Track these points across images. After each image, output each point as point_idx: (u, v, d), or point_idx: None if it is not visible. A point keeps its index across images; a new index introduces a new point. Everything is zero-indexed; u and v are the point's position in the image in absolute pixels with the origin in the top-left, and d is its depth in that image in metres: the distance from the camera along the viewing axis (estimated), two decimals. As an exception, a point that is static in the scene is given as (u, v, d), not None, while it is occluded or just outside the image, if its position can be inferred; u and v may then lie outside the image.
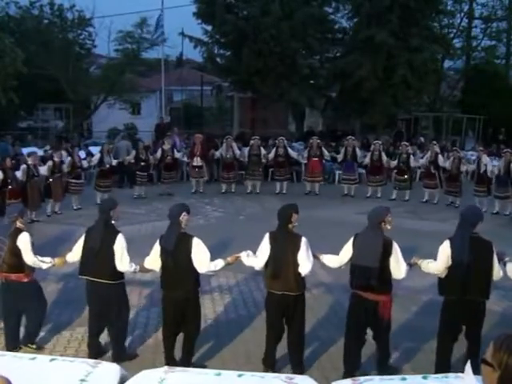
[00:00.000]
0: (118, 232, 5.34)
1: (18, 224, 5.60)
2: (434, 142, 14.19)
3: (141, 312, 6.63)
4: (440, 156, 13.52)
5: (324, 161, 14.84)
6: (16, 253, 5.46)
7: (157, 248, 5.22)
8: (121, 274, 5.38)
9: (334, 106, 22.85)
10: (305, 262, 5.01)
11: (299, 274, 5.03)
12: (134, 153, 13.98)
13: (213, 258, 5.26)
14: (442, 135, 22.22)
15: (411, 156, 13.84)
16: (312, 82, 20.96)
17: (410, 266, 5.17)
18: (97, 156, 13.25)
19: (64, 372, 3.31)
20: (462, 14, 25.81)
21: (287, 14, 18.75)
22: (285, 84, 19.47)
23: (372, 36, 18.63)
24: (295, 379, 3.40)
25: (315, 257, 5.25)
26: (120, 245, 5.26)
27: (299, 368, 5.10)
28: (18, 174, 10.89)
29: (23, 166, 11.09)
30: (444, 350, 5.04)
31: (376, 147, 14.06)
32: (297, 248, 5.02)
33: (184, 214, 5.15)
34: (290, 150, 14.54)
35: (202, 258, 5.06)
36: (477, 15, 26.13)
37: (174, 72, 33.06)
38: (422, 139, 19.82)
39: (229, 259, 5.31)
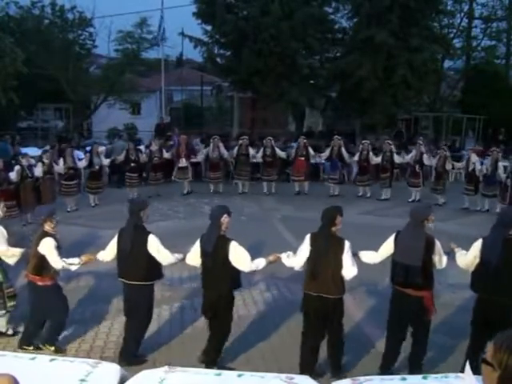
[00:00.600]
0: (148, 233, 5.31)
1: (46, 227, 5.50)
2: (420, 142, 14.27)
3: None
4: (425, 155, 13.70)
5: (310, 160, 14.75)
6: (39, 256, 5.39)
7: (197, 247, 5.28)
8: (153, 276, 5.37)
9: (334, 106, 22.87)
10: (350, 266, 5.03)
11: (340, 276, 5.04)
12: (124, 153, 13.77)
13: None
14: (442, 135, 22.22)
15: (394, 154, 13.98)
16: (312, 81, 20.96)
17: (448, 254, 5.24)
18: (86, 157, 13.04)
19: (64, 372, 3.31)
20: (462, 14, 25.80)
21: (287, 14, 18.75)
22: (285, 84, 19.47)
23: (372, 36, 18.63)
24: (295, 379, 3.40)
25: (354, 255, 5.24)
26: (153, 245, 5.25)
27: (338, 371, 5.11)
28: (12, 175, 10.68)
29: (17, 167, 10.91)
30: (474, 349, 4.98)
31: (364, 147, 14.16)
32: (340, 251, 5.01)
33: (225, 216, 5.18)
34: (277, 150, 14.53)
35: (241, 259, 5.11)
36: (477, 15, 26.12)
37: (174, 72, 33.06)
38: (421, 138, 19.80)
39: (270, 258, 5.33)
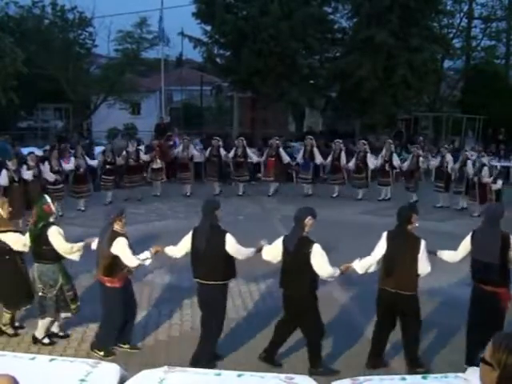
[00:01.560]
0: (225, 232, 5.30)
1: (116, 227, 5.40)
2: (390, 142, 14.52)
3: (141, 312, 6.61)
4: (395, 154, 14.01)
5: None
6: (112, 257, 5.31)
7: (279, 244, 5.32)
8: (229, 274, 5.35)
9: (334, 106, 22.86)
10: (426, 264, 5.17)
11: (416, 274, 5.16)
12: (100, 156, 13.34)
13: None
14: (442, 135, 22.23)
15: (368, 154, 14.11)
16: (312, 82, 20.96)
17: None
18: (72, 160, 12.51)
19: (64, 372, 3.32)
20: (462, 14, 25.78)
21: (287, 14, 18.74)
22: (285, 84, 19.47)
23: (372, 36, 18.63)
24: (295, 379, 3.40)
25: (431, 253, 5.38)
26: (231, 244, 5.23)
27: (415, 365, 5.20)
28: (0, 179, 10.33)
29: (4, 172, 10.46)
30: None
31: (337, 146, 14.30)
32: (416, 249, 5.15)
33: (309, 217, 5.23)
34: (248, 151, 14.42)
35: (321, 263, 5.13)
36: (476, 15, 26.10)
37: (174, 72, 33.06)
38: (421, 138, 19.83)
39: (342, 268, 5.38)
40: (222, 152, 14.24)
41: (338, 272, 5.30)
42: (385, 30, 18.58)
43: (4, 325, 6.02)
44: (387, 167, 13.83)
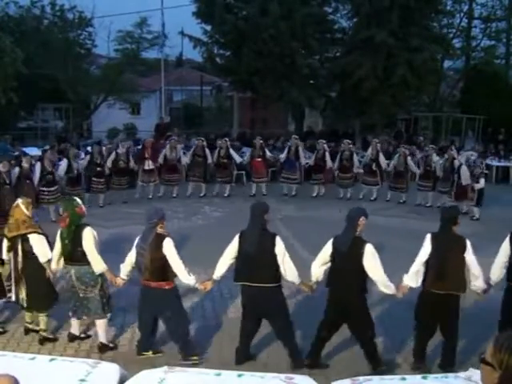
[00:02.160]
0: (275, 235, 5.24)
1: (159, 230, 5.27)
2: (376, 141, 14.49)
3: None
4: (381, 154, 13.91)
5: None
6: (163, 259, 5.18)
7: (328, 247, 5.24)
8: (279, 278, 5.24)
9: (334, 105, 22.84)
10: (475, 264, 5.16)
11: (464, 274, 5.15)
12: (87, 158, 12.88)
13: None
14: (442, 135, 22.22)
15: (354, 154, 14.08)
16: (312, 81, 20.95)
17: None
18: (64, 162, 12.12)
19: (64, 372, 3.32)
20: (462, 14, 25.80)
21: (286, 14, 18.74)
22: (284, 84, 19.46)
23: (372, 36, 18.62)
24: (295, 379, 3.41)
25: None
26: (280, 247, 5.15)
27: (451, 366, 5.14)
28: None
29: None
30: None
31: (320, 146, 14.23)
32: (462, 249, 5.13)
33: (363, 217, 5.15)
34: (232, 152, 14.19)
35: (375, 265, 5.05)
36: (476, 15, 26.10)
37: (174, 72, 33.08)
38: (421, 138, 19.86)
39: (399, 292, 5.32)
40: (208, 152, 13.95)
41: (392, 287, 5.20)
42: (385, 29, 18.57)
43: (44, 330, 5.90)
44: (374, 167, 13.74)
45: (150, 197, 13.57)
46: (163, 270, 5.21)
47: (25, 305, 5.84)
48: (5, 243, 5.87)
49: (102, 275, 5.62)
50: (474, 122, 21.94)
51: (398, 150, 14.18)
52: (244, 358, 5.39)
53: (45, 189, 11.18)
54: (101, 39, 26.26)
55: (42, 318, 5.87)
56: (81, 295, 5.57)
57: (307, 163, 14.25)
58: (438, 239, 5.20)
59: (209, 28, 20.31)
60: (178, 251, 5.49)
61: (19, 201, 5.95)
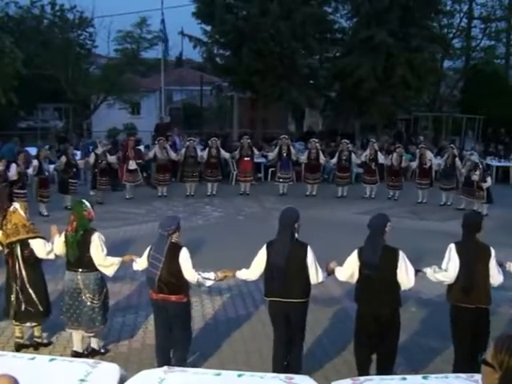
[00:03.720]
0: (306, 245, 4.91)
1: (174, 239, 4.98)
2: (373, 141, 14.81)
3: (140, 312, 6.62)
4: (379, 153, 14.18)
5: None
6: (179, 271, 4.90)
7: (354, 259, 4.92)
8: (309, 292, 4.97)
9: (334, 106, 22.85)
10: (497, 274, 4.88)
11: (489, 285, 4.88)
12: (63, 159, 12.54)
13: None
14: (442, 135, 22.22)
15: (352, 153, 14.22)
16: (311, 81, 20.95)
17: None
18: (35, 163, 11.71)
19: (64, 372, 3.32)
20: (462, 14, 25.81)
21: (286, 14, 18.74)
22: (284, 84, 19.46)
23: (371, 36, 18.63)
24: (295, 379, 3.41)
25: (502, 265, 5.07)
26: (311, 258, 4.86)
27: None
28: None
29: None
30: None
31: (312, 145, 14.34)
32: (488, 258, 4.84)
33: (389, 224, 4.93)
34: (222, 152, 14.23)
35: (409, 272, 4.81)
36: (476, 15, 26.10)
37: (174, 72, 33.07)
38: (421, 138, 19.85)
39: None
40: (199, 152, 14.03)
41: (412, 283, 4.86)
42: (384, 29, 18.57)
43: (38, 337, 5.80)
44: (373, 166, 13.97)
45: (132, 196, 13.53)
46: (178, 283, 4.91)
47: (21, 315, 5.57)
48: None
49: (105, 284, 5.48)
50: (473, 122, 21.93)
51: (397, 150, 14.35)
52: (281, 366, 5.01)
53: (17, 190, 10.96)
54: (101, 39, 26.22)
55: (37, 328, 5.75)
56: (88, 303, 5.31)
57: (297, 159, 14.39)
58: (464, 250, 4.84)
59: (209, 28, 20.31)
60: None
61: (16, 205, 5.73)
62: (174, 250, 4.90)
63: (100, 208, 12.38)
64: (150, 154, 14.04)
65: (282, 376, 3.47)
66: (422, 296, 6.98)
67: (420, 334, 6.11)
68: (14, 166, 11.06)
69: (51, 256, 5.57)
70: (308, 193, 14.35)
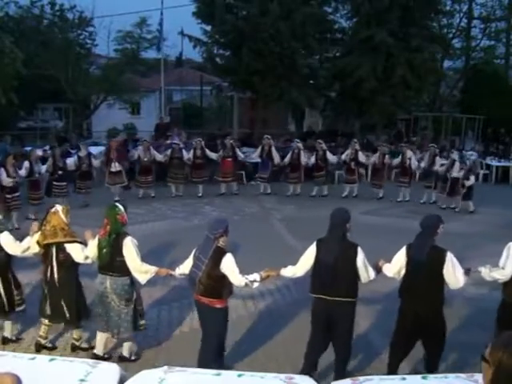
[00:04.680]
0: (356, 245, 4.94)
1: (221, 243, 4.90)
2: (355, 140, 14.95)
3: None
4: (360, 153, 14.39)
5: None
6: (220, 276, 4.83)
7: (402, 256, 5.00)
8: (356, 292, 4.99)
9: (334, 106, 22.84)
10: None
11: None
12: (50, 161, 12.19)
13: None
14: (442, 135, 22.23)
15: (327, 152, 14.38)
16: (311, 81, 20.95)
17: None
18: (26, 165, 11.35)
19: (64, 372, 3.32)
20: (461, 14, 25.83)
21: (286, 14, 18.74)
22: (284, 84, 19.46)
23: (371, 36, 18.63)
24: (295, 379, 3.41)
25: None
26: (361, 257, 4.90)
27: None
28: None
29: None
30: None
31: (294, 145, 14.56)
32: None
33: (442, 225, 4.96)
34: (207, 152, 14.14)
35: (457, 273, 4.83)
36: (476, 15, 26.13)
37: (174, 72, 33.07)
38: (413, 139, 19.92)
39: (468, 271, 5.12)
40: (185, 154, 13.93)
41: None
42: (384, 30, 18.57)
43: (77, 340, 5.75)
44: (353, 165, 14.17)
45: (117, 198, 12.59)
46: (218, 287, 4.85)
47: (53, 317, 5.58)
48: (35, 249, 5.57)
49: (136, 289, 5.39)
50: (473, 122, 21.94)
51: (379, 148, 14.62)
52: (312, 367, 5.05)
53: (8, 196, 10.69)
54: (101, 39, 26.24)
55: (76, 331, 5.71)
56: (115, 308, 5.27)
57: (283, 162, 14.44)
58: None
59: (209, 28, 20.31)
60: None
61: (58, 207, 5.64)
62: (219, 254, 4.84)
63: (91, 209, 12.35)
64: (135, 156, 13.79)
65: (283, 376, 3.47)
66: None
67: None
68: (3, 172, 10.72)
69: (88, 261, 5.50)
70: (289, 193, 14.35)
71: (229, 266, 4.82)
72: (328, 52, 22.28)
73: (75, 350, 5.69)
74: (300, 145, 14.60)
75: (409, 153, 14.16)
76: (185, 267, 5.22)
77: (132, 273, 5.26)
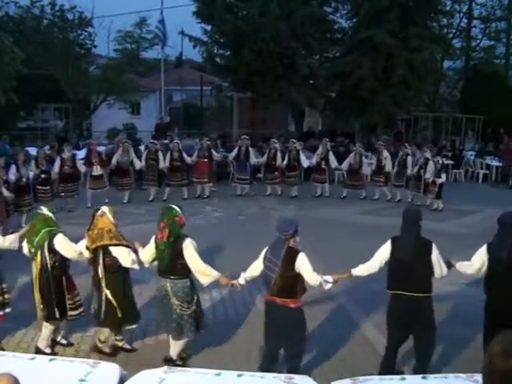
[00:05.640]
0: (431, 241, 5.00)
1: (292, 243, 4.88)
2: (327, 140, 14.86)
3: (141, 312, 6.61)
4: (331, 153, 14.34)
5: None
6: (294, 276, 4.80)
7: (483, 254, 5.05)
8: (431, 287, 5.03)
9: (334, 106, 22.83)
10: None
11: None
12: (33, 163, 11.63)
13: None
14: (442, 135, 22.22)
15: (300, 152, 14.30)
16: (311, 81, 20.94)
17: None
18: (12, 169, 10.74)
19: (63, 372, 3.32)
20: (461, 14, 25.82)
21: (286, 14, 18.74)
22: (284, 84, 19.46)
23: (371, 36, 18.61)
24: (295, 379, 3.41)
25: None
26: (436, 254, 4.95)
27: None
28: None
29: None
30: None
31: (271, 146, 14.41)
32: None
33: None
34: (184, 155, 13.83)
35: None
36: (476, 15, 26.12)
37: (174, 72, 33.08)
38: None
39: None
40: (161, 156, 13.55)
41: None
42: (384, 30, 18.55)
43: (102, 341, 5.68)
44: (323, 165, 14.10)
45: (107, 200, 12.22)
46: (292, 287, 4.82)
47: (101, 321, 5.50)
48: (86, 254, 5.48)
49: (196, 291, 5.33)
50: (473, 122, 21.92)
51: (354, 148, 14.60)
52: (389, 369, 5.02)
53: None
54: (101, 39, 26.38)
55: (103, 334, 5.64)
56: (178, 311, 5.20)
57: (259, 162, 14.49)
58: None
59: (209, 28, 20.32)
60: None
61: (105, 209, 5.52)
62: (291, 254, 4.80)
63: (87, 209, 12.35)
64: (113, 160, 13.31)
65: (282, 376, 3.48)
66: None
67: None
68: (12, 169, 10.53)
69: (136, 266, 5.43)
70: (268, 193, 14.30)
71: (304, 264, 4.81)
72: (328, 52, 22.26)
73: (97, 351, 5.62)
74: (277, 145, 14.47)
75: (385, 152, 14.15)
76: (252, 270, 5.19)
77: (194, 274, 5.21)
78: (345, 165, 14.17)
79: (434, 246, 4.96)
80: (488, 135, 21.81)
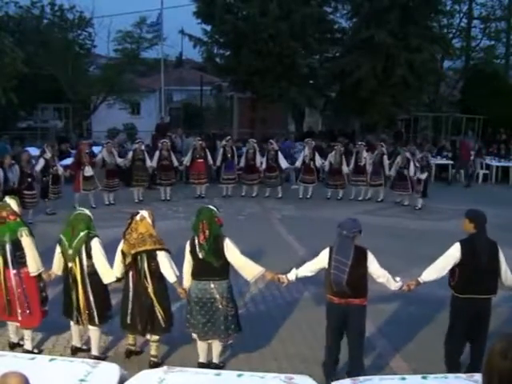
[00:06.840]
0: (495, 242, 5.03)
1: (356, 242, 4.82)
2: (311, 140, 14.77)
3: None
4: (317, 154, 14.26)
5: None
6: (361, 276, 4.79)
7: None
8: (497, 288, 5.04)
9: (334, 106, 22.84)
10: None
11: None
12: (17, 167, 11.01)
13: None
14: (442, 135, 22.22)
15: (279, 153, 14.21)
16: (311, 81, 20.95)
17: None
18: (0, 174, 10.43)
19: (63, 372, 3.32)
20: (461, 14, 25.82)
21: (286, 14, 18.74)
22: (284, 84, 19.45)
23: (371, 36, 18.62)
24: (295, 379, 3.41)
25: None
26: (502, 255, 4.99)
27: None
28: None
29: None
30: None
31: (250, 146, 14.28)
32: None
33: None
34: (172, 156, 13.75)
35: None
36: (476, 15, 26.11)
37: (174, 72, 33.08)
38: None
39: None
40: (146, 156, 13.44)
41: None
42: (384, 29, 18.56)
43: (155, 356, 5.48)
44: (311, 165, 13.98)
45: (94, 206, 12.15)
46: (360, 286, 4.84)
47: (140, 328, 5.30)
48: (120, 260, 5.30)
49: (232, 290, 5.26)
50: (473, 122, 21.93)
51: (335, 148, 14.42)
52: (457, 364, 5.11)
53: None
54: (100, 39, 26.26)
55: (156, 345, 5.44)
56: (223, 312, 5.12)
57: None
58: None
59: (209, 28, 20.32)
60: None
61: (144, 213, 5.34)
62: (360, 253, 4.81)
63: (100, 209, 12.40)
64: (98, 160, 12.99)
65: (282, 376, 3.48)
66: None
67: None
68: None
69: (173, 278, 5.26)
70: (243, 193, 14.17)
71: (373, 260, 4.86)
72: (328, 52, 22.27)
73: (133, 354, 5.54)
74: (256, 145, 14.36)
75: (364, 153, 14.10)
76: (308, 269, 5.14)
77: (239, 271, 5.21)
78: (326, 165, 14.10)
79: (499, 247, 4.99)
80: (488, 135, 21.82)
